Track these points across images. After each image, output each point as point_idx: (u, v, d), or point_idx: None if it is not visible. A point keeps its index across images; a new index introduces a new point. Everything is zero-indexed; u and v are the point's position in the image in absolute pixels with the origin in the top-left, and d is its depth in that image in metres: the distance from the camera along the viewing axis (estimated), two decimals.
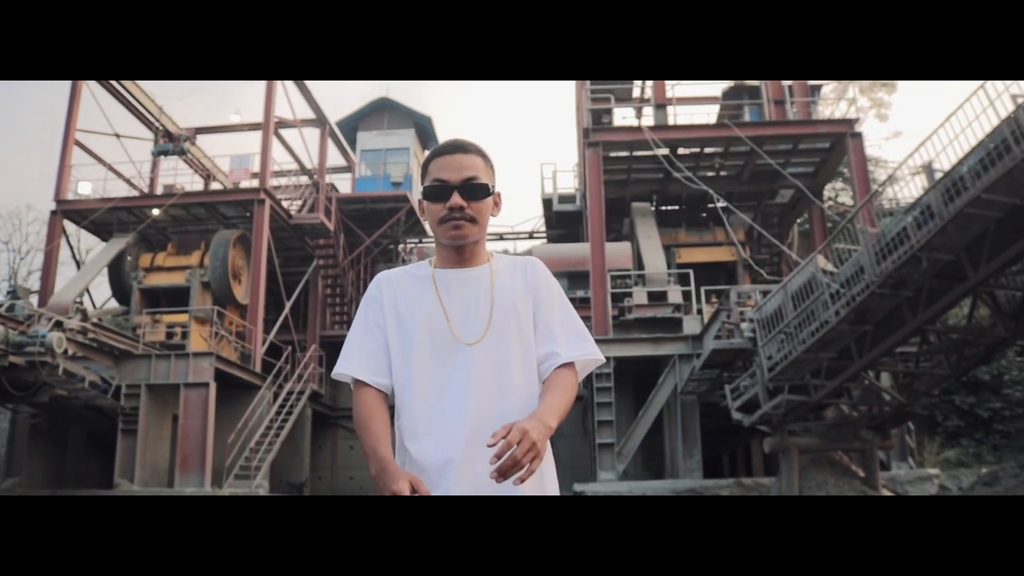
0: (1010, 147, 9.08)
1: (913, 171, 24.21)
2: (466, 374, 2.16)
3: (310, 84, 26.54)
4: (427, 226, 2.35)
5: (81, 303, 20.48)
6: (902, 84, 31.35)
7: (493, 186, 2.27)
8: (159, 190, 25.73)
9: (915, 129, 41.07)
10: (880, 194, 24.71)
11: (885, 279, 11.03)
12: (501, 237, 32.41)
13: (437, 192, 2.21)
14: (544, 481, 2.17)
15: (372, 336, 2.26)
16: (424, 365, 2.19)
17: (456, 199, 2.18)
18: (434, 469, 2.10)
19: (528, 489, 2.07)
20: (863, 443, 14.19)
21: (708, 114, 25.71)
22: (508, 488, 1.98)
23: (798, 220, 24.81)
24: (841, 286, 11.90)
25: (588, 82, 22.40)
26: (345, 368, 2.23)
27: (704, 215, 24.22)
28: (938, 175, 10.38)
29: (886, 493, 14.15)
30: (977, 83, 9.95)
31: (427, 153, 2.30)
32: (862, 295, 11.42)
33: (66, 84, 23.99)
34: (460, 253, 2.27)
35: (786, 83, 22.09)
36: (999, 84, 9.72)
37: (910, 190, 12.46)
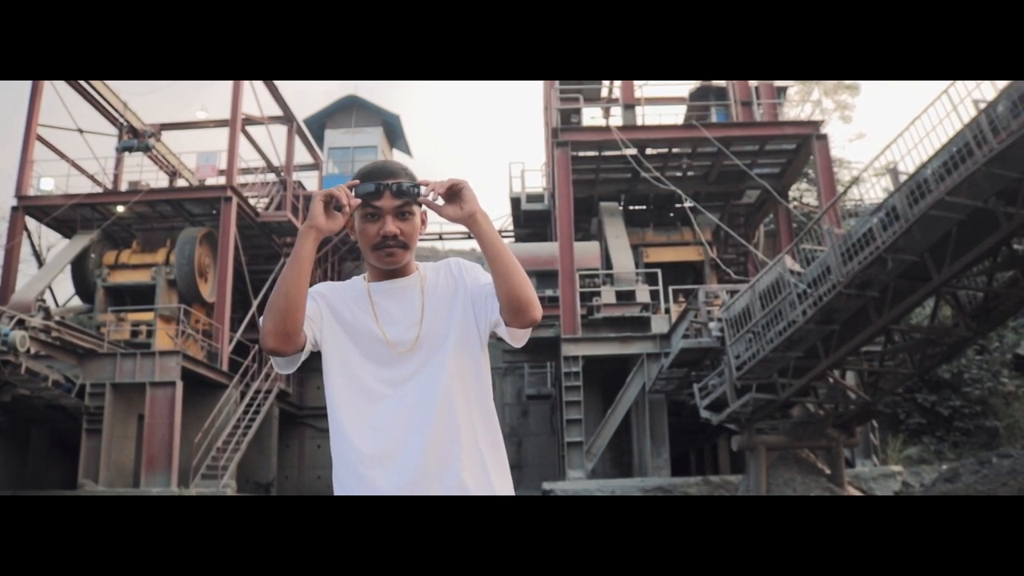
0: (972, 151, 9.23)
1: (876, 173, 24.57)
2: (402, 378, 2.22)
3: (277, 82, 26.33)
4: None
5: (44, 301, 20.17)
6: (865, 86, 31.67)
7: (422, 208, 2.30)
8: (124, 187, 25.39)
9: (879, 131, 41.57)
10: (845, 195, 24.97)
11: (851, 279, 11.16)
12: (469, 236, 32.36)
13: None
14: (492, 480, 2.19)
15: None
16: (363, 370, 2.24)
17: (390, 227, 2.21)
18: (374, 460, 2.14)
19: (471, 486, 2.13)
20: (829, 441, 14.34)
21: (676, 115, 25.77)
22: (453, 489, 2.10)
23: (764, 220, 25.00)
24: (808, 286, 12.02)
25: (557, 82, 22.44)
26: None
27: (672, 215, 24.32)
28: (903, 178, 10.52)
29: (851, 490, 14.31)
30: (940, 87, 10.11)
31: (355, 173, 2.31)
32: (829, 295, 11.55)
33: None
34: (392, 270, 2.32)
35: (753, 84, 22.24)
36: (962, 89, 9.88)
37: (876, 192, 12.61)
